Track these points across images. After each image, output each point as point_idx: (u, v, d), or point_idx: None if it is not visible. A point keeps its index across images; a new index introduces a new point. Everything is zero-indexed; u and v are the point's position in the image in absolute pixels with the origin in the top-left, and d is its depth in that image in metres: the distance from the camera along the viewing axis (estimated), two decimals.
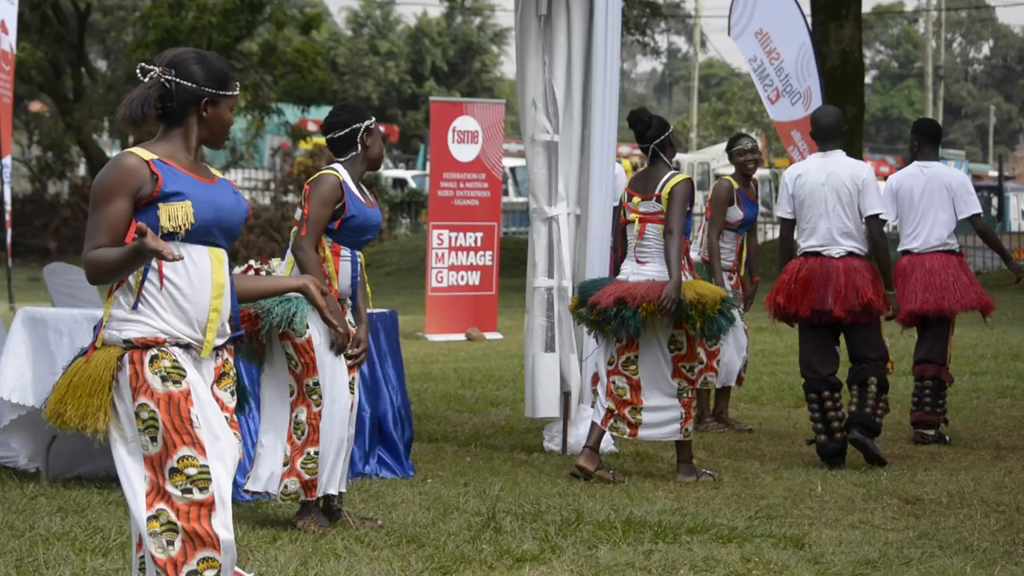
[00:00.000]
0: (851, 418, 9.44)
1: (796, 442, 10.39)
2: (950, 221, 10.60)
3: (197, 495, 4.61)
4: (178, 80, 4.69)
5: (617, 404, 8.94)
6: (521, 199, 37.08)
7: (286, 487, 7.43)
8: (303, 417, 7.39)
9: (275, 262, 8.84)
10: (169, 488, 4.62)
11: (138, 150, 4.67)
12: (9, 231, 19.48)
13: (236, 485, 8.14)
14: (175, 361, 4.63)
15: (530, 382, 9.87)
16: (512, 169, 38.93)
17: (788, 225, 9.66)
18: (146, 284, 4.64)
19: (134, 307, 4.63)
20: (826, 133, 9.55)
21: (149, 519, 4.66)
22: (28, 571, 6.46)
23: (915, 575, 6.66)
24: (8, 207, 19.12)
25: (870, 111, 65.39)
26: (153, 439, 4.62)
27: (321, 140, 39.47)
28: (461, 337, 17.77)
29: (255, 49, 36.83)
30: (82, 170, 37.61)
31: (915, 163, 10.75)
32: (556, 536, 7.18)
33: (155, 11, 32.96)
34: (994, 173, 48.89)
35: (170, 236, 4.63)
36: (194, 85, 4.70)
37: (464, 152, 17.95)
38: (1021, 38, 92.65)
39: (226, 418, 4.74)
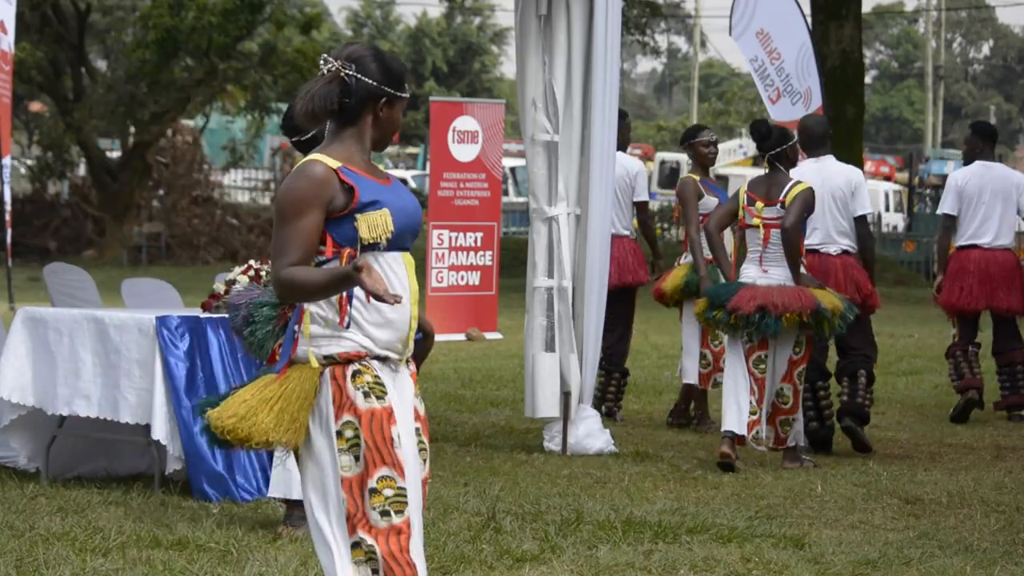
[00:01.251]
0: (843, 407, 9.95)
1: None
2: (1014, 221, 11.61)
3: (394, 519, 4.37)
4: (358, 76, 4.44)
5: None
6: (521, 199, 37.05)
7: None
8: None
9: None
10: (368, 510, 4.37)
11: (322, 157, 4.42)
12: (9, 231, 19.48)
13: (236, 485, 8.16)
14: (376, 376, 4.41)
15: (530, 382, 9.86)
16: (512, 169, 38.90)
17: None
18: (354, 301, 4.41)
19: (347, 326, 4.39)
20: (819, 140, 10.11)
21: (353, 547, 4.38)
22: (28, 571, 6.46)
23: (915, 575, 6.66)
24: (8, 207, 19.11)
25: (870, 111, 65.40)
26: (356, 459, 4.37)
27: None
28: (461, 337, 17.77)
29: (255, 49, 36.80)
30: (82, 170, 37.58)
31: (978, 162, 11.63)
32: (556, 536, 7.18)
33: (155, 11, 32.94)
34: None
35: (371, 247, 4.41)
36: (374, 83, 4.43)
37: (464, 152, 17.94)
38: (1021, 38, 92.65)
39: (417, 428, 4.54)
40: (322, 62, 4.43)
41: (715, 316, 9.25)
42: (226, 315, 8.48)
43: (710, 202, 10.85)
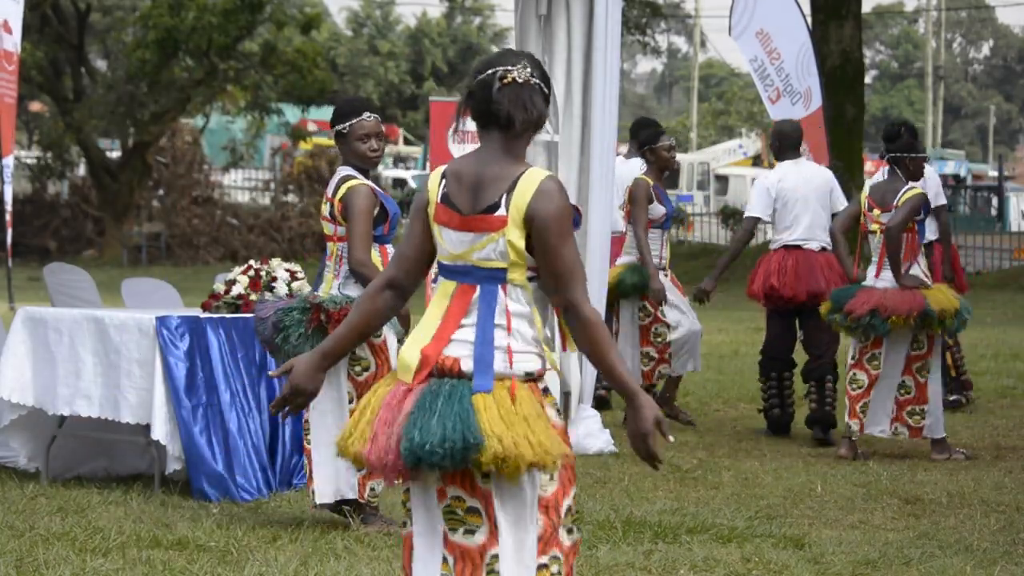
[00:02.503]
0: (813, 415, 10.54)
1: (796, 442, 10.40)
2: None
3: (576, 534, 4.27)
4: (540, 83, 4.23)
5: (852, 399, 9.72)
6: None
7: (373, 490, 7.41)
8: None
9: (275, 262, 8.85)
10: (561, 529, 4.20)
11: (544, 170, 4.22)
12: (9, 231, 19.47)
13: (236, 485, 8.16)
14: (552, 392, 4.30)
15: None
16: None
17: (755, 223, 10.96)
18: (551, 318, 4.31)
19: (553, 343, 4.30)
20: (793, 144, 10.89)
21: (539, 568, 4.17)
22: (28, 571, 6.46)
23: (915, 575, 6.66)
24: (9, 207, 19.11)
25: (870, 111, 65.40)
26: (552, 477, 4.20)
27: (321, 140, 39.49)
28: None
29: (255, 49, 36.83)
30: (82, 170, 37.60)
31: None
32: None
33: (155, 11, 32.97)
34: (994, 173, 48.89)
35: None
36: (548, 92, 4.27)
37: (464, 152, 17.94)
38: (1021, 38, 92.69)
39: None
40: (517, 68, 4.19)
41: (835, 318, 9.74)
42: (226, 315, 8.49)
43: (656, 210, 10.94)
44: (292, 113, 36.69)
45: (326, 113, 48.94)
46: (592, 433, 9.82)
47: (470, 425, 4.03)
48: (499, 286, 4.20)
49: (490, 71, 4.20)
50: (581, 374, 9.88)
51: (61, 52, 35.55)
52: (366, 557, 6.79)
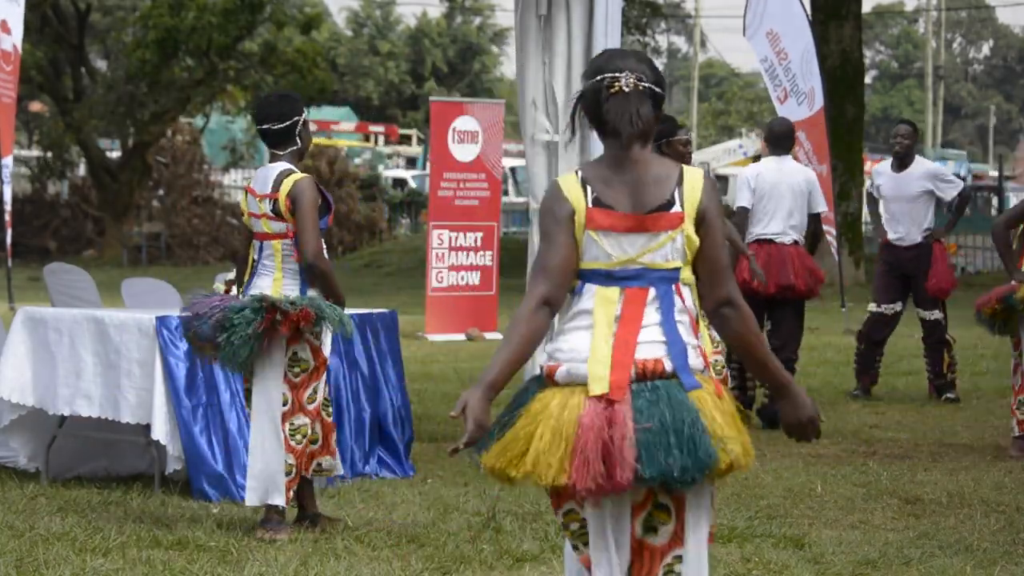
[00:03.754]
0: (764, 408, 10.97)
1: (796, 442, 10.38)
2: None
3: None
4: (651, 86, 4.23)
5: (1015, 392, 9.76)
6: (521, 199, 37.05)
7: (319, 465, 7.38)
8: (303, 421, 7.25)
9: None
10: None
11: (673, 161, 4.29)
12: (9, 231, 19.47)
13: (236, 485, 8.15)
14: None
15: None
16: (512, 169, 38.91)
17: (747, 213, 11.25)
18: None
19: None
20: (780, 141, 11.30)
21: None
22: (28, 571, 6.46)
23: (915, 575, 6.66)
24: (8, 207, 19.11)
25: (870, 111, 65.40)
26: None
27: (321, 140, 39.49)
28: (461, 337, 17.77)
29: (255, 49, 36.81)
30: (82, 170, 37.60)
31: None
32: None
33: (155, 11, 32.96)
34: (995, 173, 48.84)
35: None
36: (660, 91, 4.25)
37: (464, 152, 17.94)
38: (1021, 38, 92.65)
39: None
40: (624, 76, 4.18)
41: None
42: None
43: None
44: None
45: (326, 113, 49.03)
46: None
47: (708, 446, 4.01)
48: (673, 286, 4.19)
49: (598, 78, 4.21)
50: None
51: (61, 52, 35.53)
52: (366, 557, 6.80)
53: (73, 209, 35.78)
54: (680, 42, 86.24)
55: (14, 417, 8.47)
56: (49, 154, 36.62)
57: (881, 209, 12.53)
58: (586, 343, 4.16)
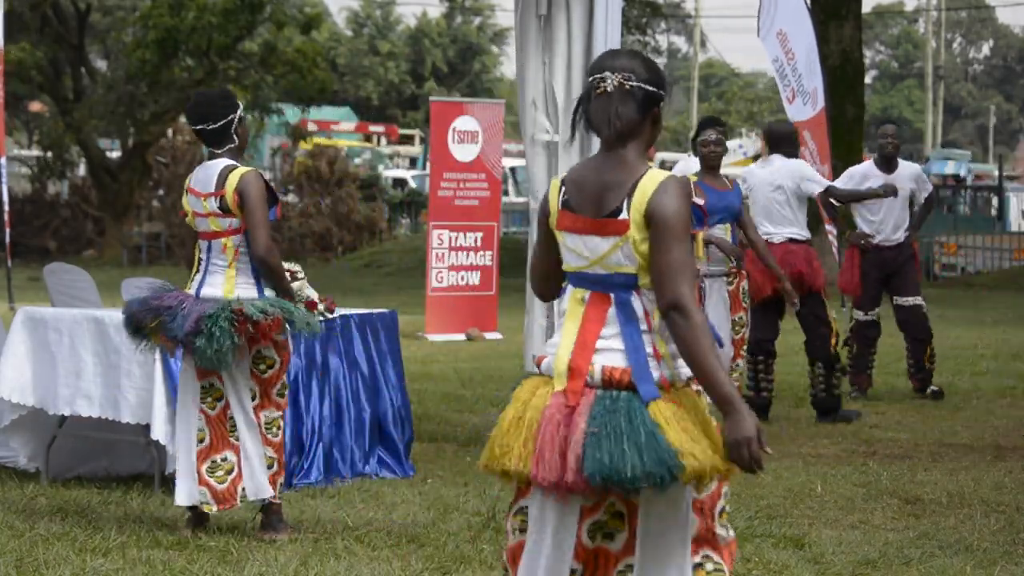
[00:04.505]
0: (818, 400, 11.25)
1: (796, 442, 10.39)
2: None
3: (731, 533, 4.29)
4: (640, 85, 4.21)
5: None
6: (521, 199, 37.06)
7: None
8: (275, 415, 7.21)
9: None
10: (718, 529, 4.23)
11: (664, 172, 4.20)
12: (8, 231, 19.48)
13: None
14: None
15: None
16: (512, 169, 38.90)
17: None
18: None
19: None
20: (777, 143, 11.39)
21: (695, 567, 4.19)
22: (28, 571, 6.46)
23: (915, 575, 6.66)
24: (7, 207, 19.12)
25: (870, 111, 65.37)
26: (713, 479, 4.18)
27: (321, 140, 39.50)
28: (461, 337, 17.76)
29: (255, 49, 36.80)
30: (82, 170, 37.60)
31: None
32: None
33: (155, 11, 32.95)
34: (996, 173, 48.80)
35: None
36: (654, 89, 4.22)
37: (464, 152, 17.94)
38: (1021, 38, 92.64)
39: None
40: (609, 77, 4.19)
41: None
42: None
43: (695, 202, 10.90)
44: (292, 113, 36.67)
45: (326, 113, 49.01)
46: None
47: (668, 452, 3.96)
48: (633, 291, 4.18)
49: (590, 79, 4.24)
50: None
51: (61, 52, 35.52)
52: (366, 557, 6.80)
53: (73, 209, 35.78)
54: (680, 42, 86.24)
55: (14, 417, 8.47)
56: (49, 154, 36.60)
57: (863, 210, 12.44)
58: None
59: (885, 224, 12.29)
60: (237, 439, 7.18)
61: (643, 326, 4.15)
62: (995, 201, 38.01)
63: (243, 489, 7.19)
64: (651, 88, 4.22)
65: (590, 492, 4.03)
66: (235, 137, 7.19)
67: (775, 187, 11.19)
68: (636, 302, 4.16)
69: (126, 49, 34.94)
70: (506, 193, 35.93)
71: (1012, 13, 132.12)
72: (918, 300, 12.36)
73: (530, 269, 4.43)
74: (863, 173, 12.43)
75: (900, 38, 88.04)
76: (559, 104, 9.89)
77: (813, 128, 13.78)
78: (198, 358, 7.07)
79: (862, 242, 12.37)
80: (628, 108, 4.18)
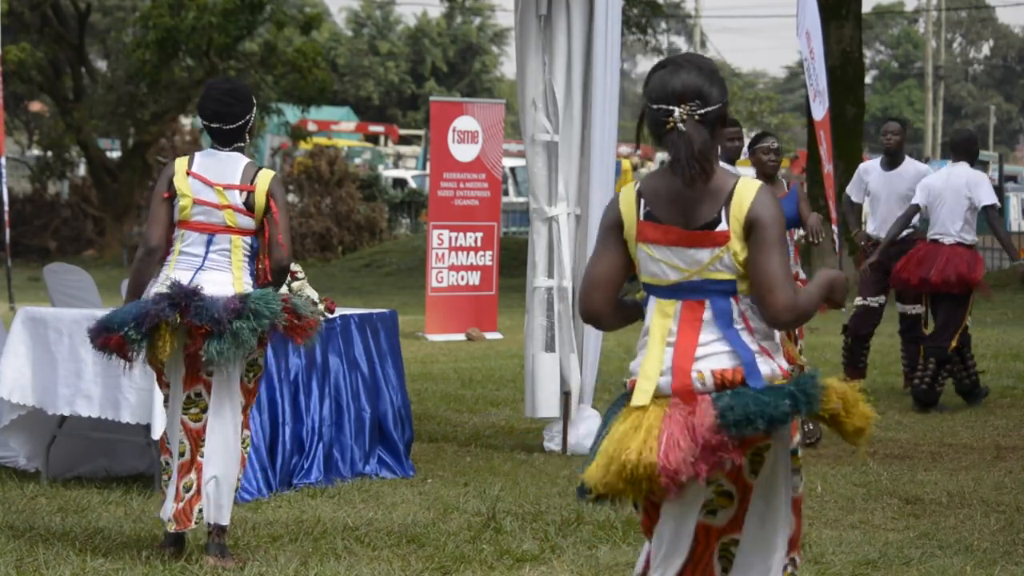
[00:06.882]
0: (917, 391, 11.62)
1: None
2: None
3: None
4: (708, 111, 4.21)
5: None
6: (521, 199, 37.06)
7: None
8: (247, 433, 6.88)
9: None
10: (803, 529, 4.40)
11: (751, 179, 4.33)
12: (8, 231, 19.48)
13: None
14: None
15: (530, 382, 9.87)
16: (512, 169, 38.90)
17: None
18: None
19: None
20: (967, 150, 11.95)
21: (784, 567, 4.33)
22: (28, 571, 6.46)
23: (915, 575, 6.66)
24: (6, 207, 19.11)
25: (870, 111, 65.39)
26: (800, 477, 4.37)
27: (321, 140, 39.48)
28: (461, 337, 17.77)
29: (255, 49, 36.81)
30: (82, 170, 37.59)
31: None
32: (556, 536, 7.18)
33: (155, 11, 32.93)
34: (995, 174, 48.85)
35: None
36: (720, 106, 4.25)
37: (464, 152, 17.94)
38: (1021, 38, 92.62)
39: None
40: (672, 112, 4.19)
41: None
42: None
43: None
44: (292, 113, 36.67)
45: (326, 113, 49.00)
46: (592, 433, 9.82)
47: (808, 378, 4.15)
48: (731, 298, 4.24)
49: (655, 107, 4.22)
50: (581, 374, 9.88)
51: (61, 52, 35.51)
52: (366, 557, 6.80)
53: (73, 209, 35.77)
54: (680, 42, 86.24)
55: (14, 417, 8.47)
56: (49, 154, 36.60)
57: (867, 207, 12.54)
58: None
59: (885, 222, 12.31)
60: (202, 456, 6.68)
61: (741, 326, 4.23)
62: None
63: (199, 511, 6.66)
64: (717, 106, 4.22)
65: (725, 449, 4.07)
66: (247, 137, 6.88)
67: (963, 196, 11.75)
68: (734, 307, 4.24)
69: (126, 49, 34.92)
70: (506, 193, 35.93)
71: (1012, 13, 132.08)
72: (916, 309, 12.40)
73: (585, 278, 4.38)
74: (866, 171, 12.56)
75: (900, 38, 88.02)
76: (559, 104, 9.90)
77: (825, 128, 13.80)
78: (216, 347, 6.50)
79: (863, 243, 12.42)
80: (701, 136, 4.19)
